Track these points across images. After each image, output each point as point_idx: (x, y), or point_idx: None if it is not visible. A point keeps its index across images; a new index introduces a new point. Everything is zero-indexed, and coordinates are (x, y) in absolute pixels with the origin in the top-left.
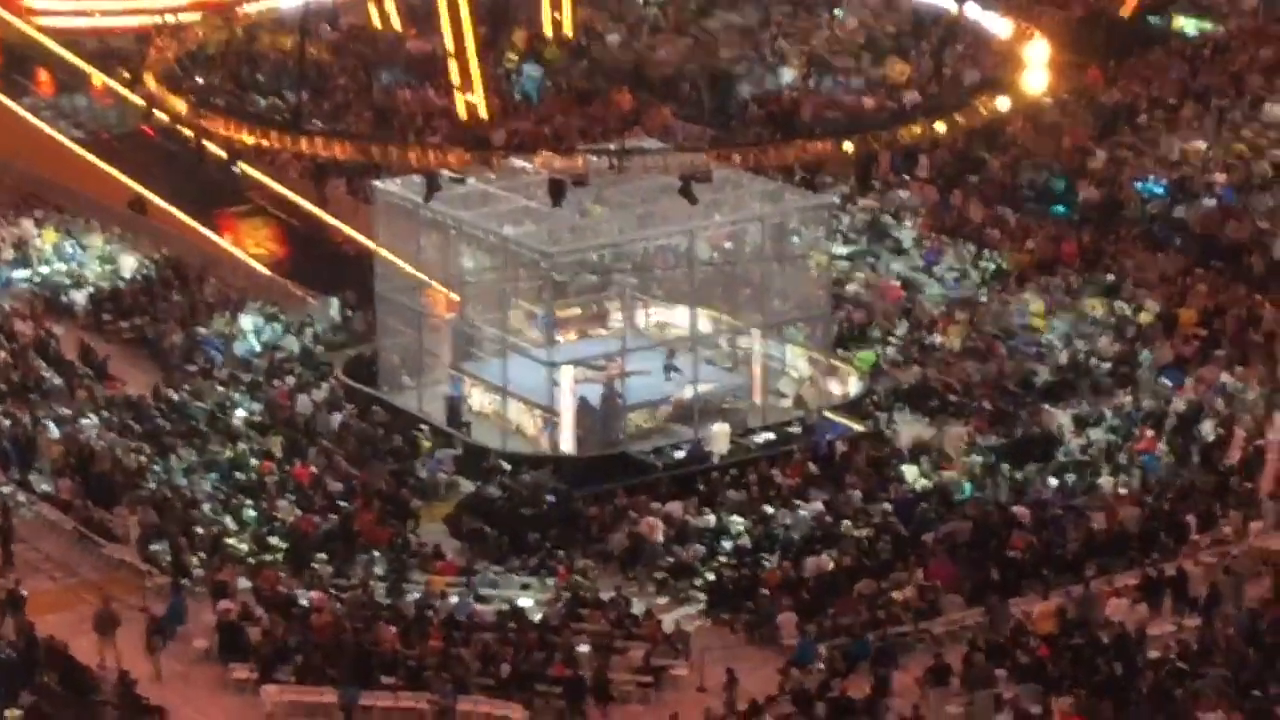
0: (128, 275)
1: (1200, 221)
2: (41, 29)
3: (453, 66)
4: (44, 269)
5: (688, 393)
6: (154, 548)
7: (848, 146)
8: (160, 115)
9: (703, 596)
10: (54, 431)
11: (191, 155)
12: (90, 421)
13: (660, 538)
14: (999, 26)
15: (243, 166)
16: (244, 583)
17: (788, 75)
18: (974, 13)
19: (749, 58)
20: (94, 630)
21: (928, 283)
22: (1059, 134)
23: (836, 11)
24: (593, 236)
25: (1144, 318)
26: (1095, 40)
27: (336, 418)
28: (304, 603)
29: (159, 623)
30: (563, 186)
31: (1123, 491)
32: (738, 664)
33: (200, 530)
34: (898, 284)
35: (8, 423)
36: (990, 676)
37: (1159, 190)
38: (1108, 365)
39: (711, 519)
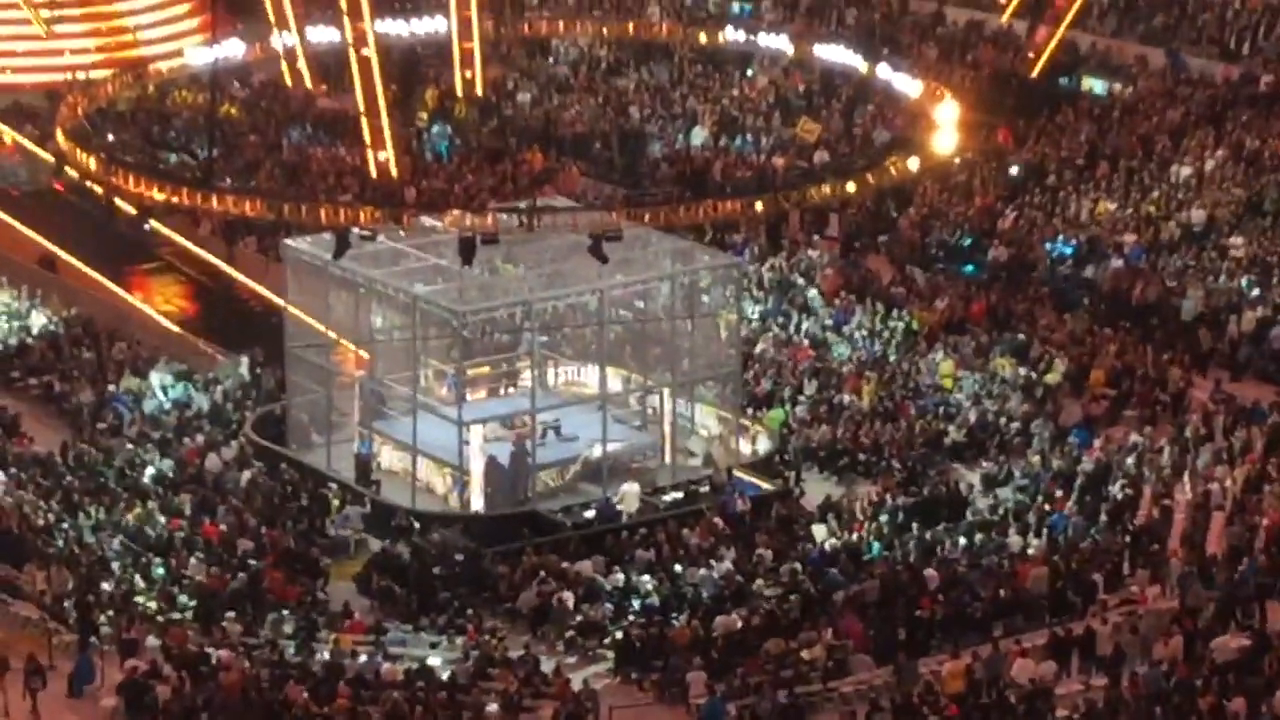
0: (36, 332)
1: (1109, 281)
2: None
3: (364, 124)
4: None
5: (597, 452)
6: (62, 605)
7: (758, 206)
8: (71, 172)
9: (611, 655)
10: None
11: (102, 212)
12: None
13: (570, 603)
14: (909, 86)
15: (153, 224)
16: (152, 641)
17: (699, 134)
18: (884, 73)
19: (660, 117)
20: None
21: (837, 342)
22: (968, 194)
23: (748, 71)
24: (503, 295)
25: (1052, 378)
26: (1005, 101)
27: (245, 475)
28: (213, 661)
29: (37, 664)
30: (473, 245)
31: (1031, 551)
32: None
33: (108, 588)
34: (807, 343)
35: None
36: None
37: (1068, 250)
38: (1016, 425)
39: (620, 578)
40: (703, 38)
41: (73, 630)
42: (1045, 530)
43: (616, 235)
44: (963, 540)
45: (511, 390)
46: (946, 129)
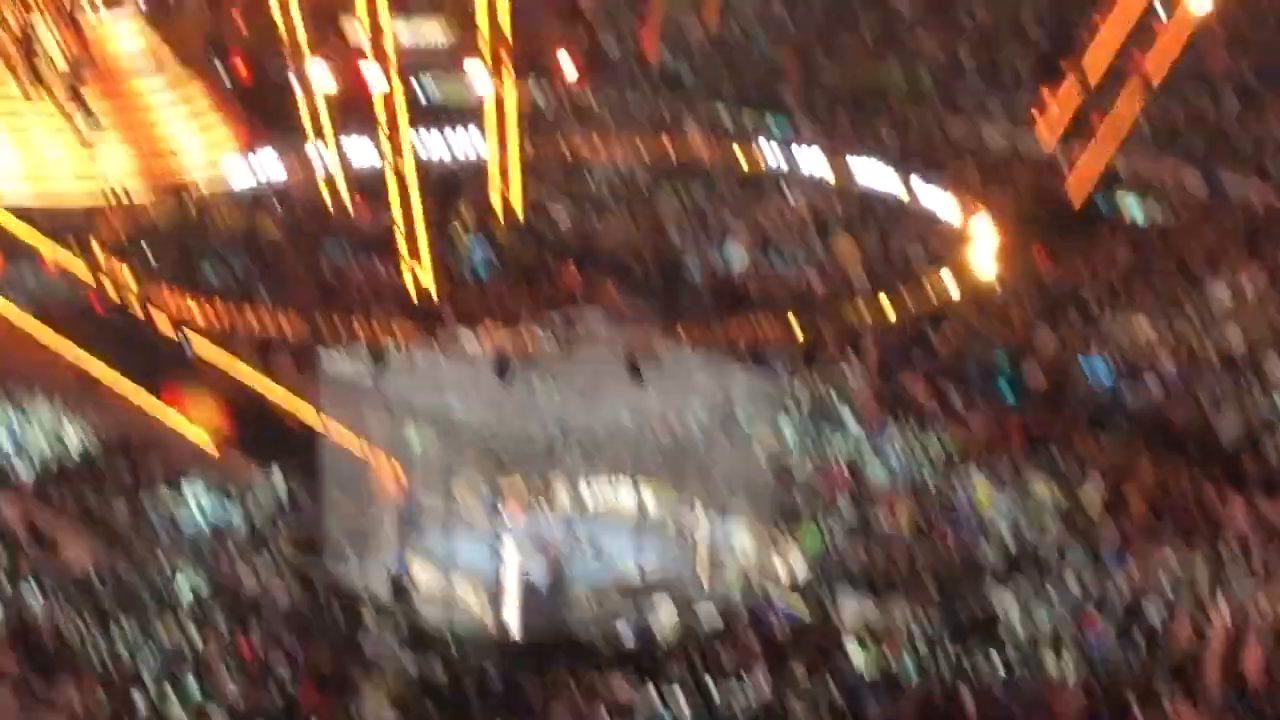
0: (73, 446)
1: (1146, 404)
2: None
3: (401, 241)
4: None
5: (633, 571)
6: None
7: (795, 325)
8: (108, 287)
9: None
10: None
11: (138, 327)
12: (32, 593)
13: None
14: (947, 207)
15: (189, 337)
16: None
17: (736, 253)
18: (922, 193)
19: (697, 236)
20: None
21: (872, 462)
22: (1005, 315)
23: (785, 190)
24: (538, 414)
25: (1089, 500)
26: (1042, 222)
27: (280, 591)
28: None
29: None
30: (509, 363)
31: (1067, 675)
32: None
33: (142, 704)
34: (842, 463)
35: None
36: None
37: (1104, 372)
38: (1052, 547)
39: (655, 697)
40: (740, 157)
41: None
42: (1081, 654)
43: (653, 355)
44: (999, 663)
45: (547, 508)
46: (984, 250)
